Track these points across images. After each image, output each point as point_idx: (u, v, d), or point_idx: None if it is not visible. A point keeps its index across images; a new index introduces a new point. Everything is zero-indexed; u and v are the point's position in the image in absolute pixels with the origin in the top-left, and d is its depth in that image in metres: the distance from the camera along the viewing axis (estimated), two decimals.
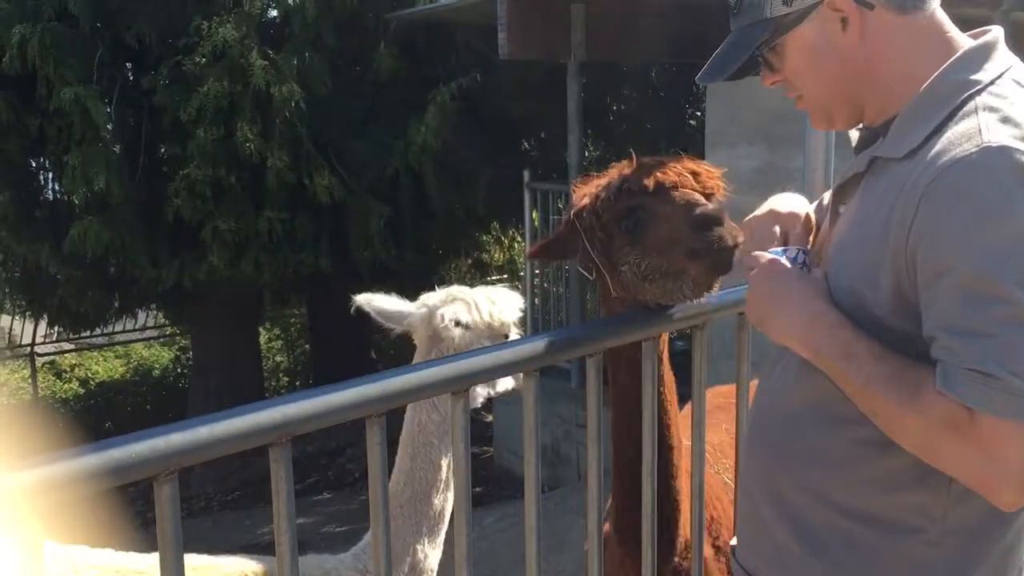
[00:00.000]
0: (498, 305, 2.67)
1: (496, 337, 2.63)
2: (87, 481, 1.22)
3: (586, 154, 11.45)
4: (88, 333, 11.89)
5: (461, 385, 1.65)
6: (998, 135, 1.30)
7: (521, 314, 2.75)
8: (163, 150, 8.10)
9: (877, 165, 1.46)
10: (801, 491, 1.52)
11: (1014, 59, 1.46)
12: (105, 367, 13.84)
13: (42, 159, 8.72)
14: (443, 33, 8.34)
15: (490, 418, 9.11)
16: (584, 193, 1.96)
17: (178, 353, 13.71)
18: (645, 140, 10.26)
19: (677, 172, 1.84)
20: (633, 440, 1.92)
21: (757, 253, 1.54)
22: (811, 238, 1.65)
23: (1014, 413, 1.24)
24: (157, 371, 13.63)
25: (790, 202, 1.69)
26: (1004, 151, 1.28)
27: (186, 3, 7.63)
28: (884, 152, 1.44)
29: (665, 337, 2.00)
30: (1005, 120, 1.32)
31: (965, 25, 1.54)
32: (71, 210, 8.15)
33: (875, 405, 1.36)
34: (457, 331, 2.61)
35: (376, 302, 2.73)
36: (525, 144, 9.86)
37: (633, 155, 1.93)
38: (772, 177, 5.50)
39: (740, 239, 1.75)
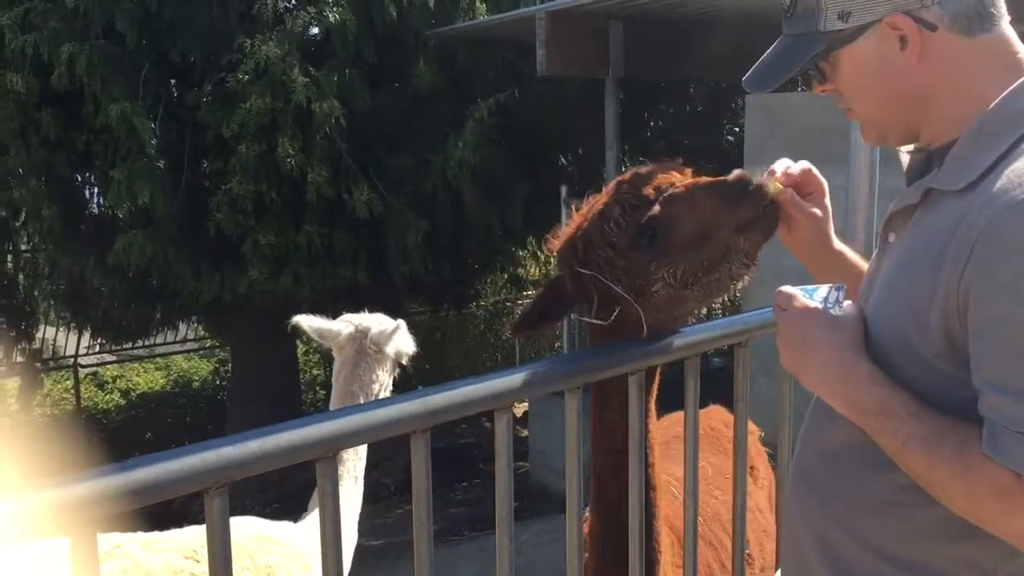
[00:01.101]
0: (401, 334, 3.22)
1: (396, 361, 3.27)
2: (140, 494, 1.24)
3: (623, 169, 11.46)
4: (130, 345, 12.05)
5: (503, 401, 1.66)
6: None
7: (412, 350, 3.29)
8: (206, 165, 8.22)
9: (932, 197, 1.38)
10: (844, 535, 1.45)
11: None
12: (146, 378, 14.02)
13: (88, 174, 8.89)
14: (482, 49, 8.40)
15: (525, 433, 9.10)
16: (570, 242, 1.83)
17: (217, 365, 13.85)
18: (683, 156, 10.25)
19: (663, 175, 1.77)
20: (621, 482, 1.82)
21: (787, 290, 1.46)
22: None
23: None
24: (196, 383, 13.78)
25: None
26: None
27: (230, 21, 7.76)
28: (940, 184, 1.36)
29: (657, 371, 1.91)
30: None
31: None
32: (115, 224, 8.30)
33: (915, 466, 1.29)
34: (371, 346, 3.15)
35: (311, 322, 3.26)
36: (563, 159, 9.88)
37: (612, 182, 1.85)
38: None
39: (777, 186, 1.67)
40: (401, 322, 3.28)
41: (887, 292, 1.42)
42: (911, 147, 1.54)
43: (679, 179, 1.79)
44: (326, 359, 15.10)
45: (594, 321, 1.82)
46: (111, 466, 1.24)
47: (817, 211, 1.69)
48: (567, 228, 1.90)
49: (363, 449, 3.28)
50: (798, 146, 5.88)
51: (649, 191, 1.74)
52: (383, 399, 1.58)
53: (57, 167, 8.27)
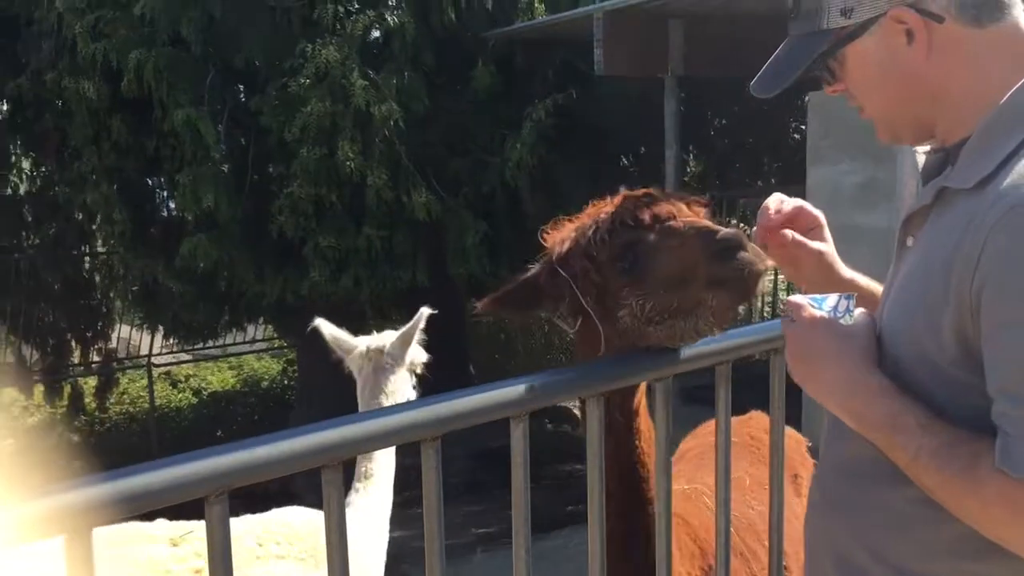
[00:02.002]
0: (413, 347, 3.50)
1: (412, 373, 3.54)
2: (137, 501, 1.23)
3: (688, 170, 11.32)
4: (201, 345, 12.35)
5: (517, 410, 1.63)
6: None
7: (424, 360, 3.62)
8: (269, 169, 8.36)
9: (946, 196, 1.33)
10: (862, 550, 1.40)
11: None
12: (219, 377, 14.35)
13: (158, 178, 9.13)
14: (541, 50, 8.37)
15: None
16: (561, 238, 1.81)
17: (285, 365, 14.11)
18: (747, 155, 10.08)
19: (670, 203, 1.72)
20: (613, 497, 1.78)
21: (795, 300, 1.41)
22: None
23: None
24: (266, 382, 14.05)
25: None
26: None
27: (292, 26, 7.87)
28: (953, 182, 1.31)
29: (643, 387, 1.85)
30: None
31: None
32: (183, 227, 8.50)
33: (928, 480, 1.24)
34: (389, 362, 3.46)
35: (330, 329, 3.58)
36: (624, 159, 9.80)
37: (622, 191, 1.81)
38: (875, 194, 5.30)
39: (769, 263, 1.65)
40: (424, 310, 3.57)
41: (901, 297, 1.38)
42: (927, 147, 1.48)
43: (683, 213, 1.74)
44: None
45: (560, 323, 1.81)
46: (112, 472, 1.24)
47: (821, 246, 1.64)
48: (567, 225, 1.87)
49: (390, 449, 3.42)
50: (852, 143, 5.73)
51: (647, 217, 1.71)
52: (392, 406, 1.56)
53: (127, 172, 8.51)
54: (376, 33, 8.21)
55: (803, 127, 9.54)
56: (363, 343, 3.56)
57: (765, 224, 1.63)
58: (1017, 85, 1.29)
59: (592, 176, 8.38)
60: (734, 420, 2.64)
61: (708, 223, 1.71)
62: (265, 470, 1.37)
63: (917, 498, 1.31)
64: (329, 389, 10.28)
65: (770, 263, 1.66)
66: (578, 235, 1.80)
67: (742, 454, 2.45)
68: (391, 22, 7.61)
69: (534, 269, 1.90)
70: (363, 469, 3.42)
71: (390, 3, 8.25)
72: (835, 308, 1.40)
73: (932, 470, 1.23)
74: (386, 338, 3.57)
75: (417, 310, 3.63)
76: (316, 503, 1.43)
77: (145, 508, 1.26)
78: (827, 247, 1.65)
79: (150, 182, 9.23)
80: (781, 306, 1.50)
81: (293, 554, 3.19)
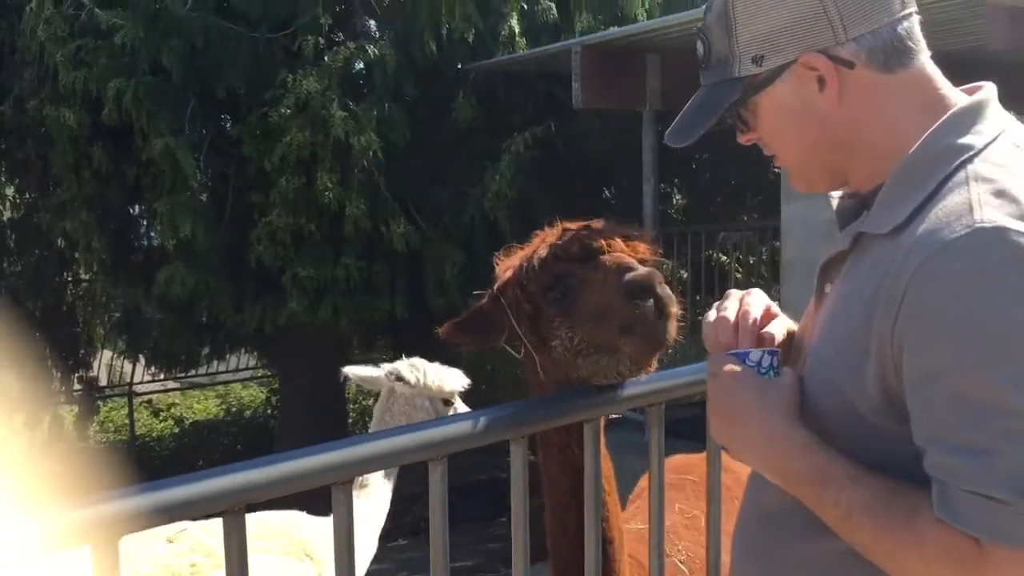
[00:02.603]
0: (440, 375, 3.56)
1: (435, 400, 3.58)
2: (163, 513, 1.31)
3: (674, 202, 11.35)
4: (183, 373, 12.29)
5: (442, 451, 1.59)
6: (992, 213, 1.13)
7: (463, 388, 3.63)
8: (251, 198, 8.37)
9: (863, 241, 1.30)
10: None
11: (1010, 119, 1.30)
12: (203, 406, 14.28)
13: (139, 206, 9.12)
14: (521, 82, 8.41)
15: None
16: (508, 265, 1.82)
17: (269, 394, 14.05)
18: (729, 189, 10.11)
19: (606, 237, 1.71)
20: (569, 536, 1.76)
21: (715, 356, 1.37)
22: (778, 332, 1.44)
23: None
24: (249, 411, 13.97)
25: (754, 296, 1.48)
26: (999, 234, 1.12)
27: (274, 56, 7.91)
28: (869, 227, 1.28)
29: (602, 420, 1.83)
30: (1000, 193, 1.16)
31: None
32: (164, 255, 8.49)
33: (862, 537, 1.19)
34: (398, 384, 3.53)
35: (355, 371, 3.72)
36: (606, 191, 9.82)
37: (558, 222, 1.81)
38: None
39: (674, 308, 1.63)
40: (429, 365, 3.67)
41: (821, 346, 1.33)
42: (839, 193, 1.46)
43: (616, 248, 1.73)
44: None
45: (508, 349, 1.83)
46: (131, 488, 1.30)
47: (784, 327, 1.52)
48: (517, 253, 1.87)
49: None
50: None
51: (578, 250, 1.71)
52: (319, 446, 1.55)
53: (108, 200, 8.50)
54: (359, 64, 8.25)
55: None
56: (382, 371, 3.66)
57: (728, 340, 1.45)
58: (929, 130, 1.28)
59: (572, 208, 8.37)
60: (695, 458, 2.63)
61: (630, 261, 1.69)
62: (278, 487, 1.41)
63: (840, 550, 1.26)
64: (312, 417, 10.28)
65: (675, 310, 1.63)
66: (517, 265, 1.81)
67: (700, 493, 2.42)
68: (372, 53, 7.65)
69: (479, 300, 1.90)
70: (360, 479, 3.55)
71: (372, 34, 8.30)
72: (759, 363, 1.35)
73: (866, 526, 1.18)
74: (403, 364, 3.67)
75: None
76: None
77: (169, 520, 1.34)
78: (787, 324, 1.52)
79: (131, 210, 9.22)
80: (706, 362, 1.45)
81: (274, 548, 3.41)
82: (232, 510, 1.37)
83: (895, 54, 1.29)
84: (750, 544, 1.46)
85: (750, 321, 1.44)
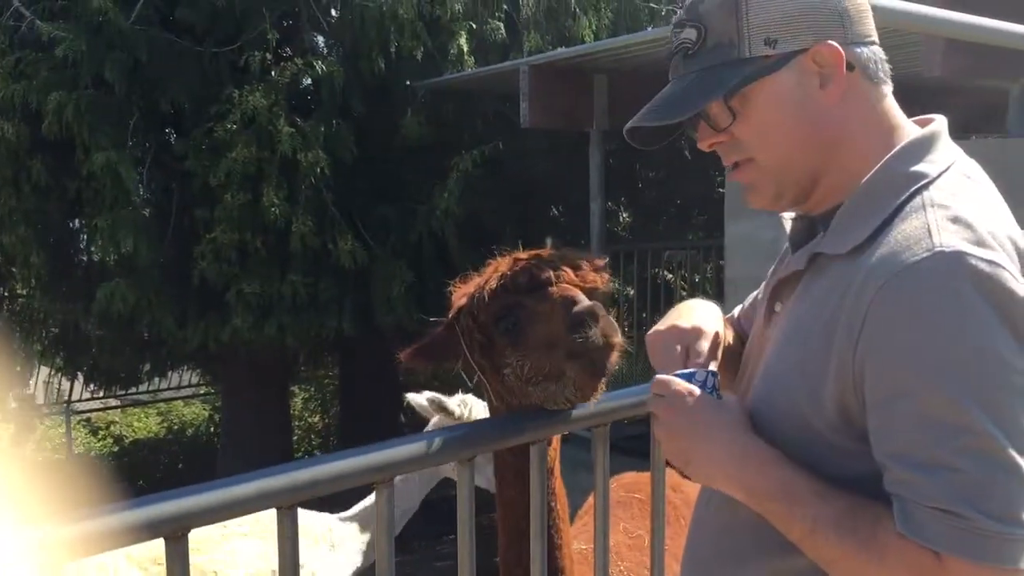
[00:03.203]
0: (471, 408, 3.68)
1: None
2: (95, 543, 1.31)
3: (621, 220, 11.44)
4: (123, 391, 12.02)
5: (387, 474, 1.60)
6: (950, 238, 1.18)
7: None
8: (196, 214, 8.25)
9: (819, 262, 1.33)
10: None
11: (959, 152, 1.35)
12: (144, 424, 13.98)
13: (79, 221, 8.93)
14: (470, 101, 8.43)
15: None
16: (462, 293, 1.87)
17: (212, 412, 13.81)
18: (674, 208, 10.22)
19: (555, 267, 1.76)
20: (524, 564, 1.78)
21: (662, 378, 1.38)
22: (719, 353, 1.48)
23: (990, 556, 1.11)
24: (191, 429, 13.72)
25: (697, 313, 1.52)
26: (958, 258, 1.16)
27: (220, 72, 7.82)
28: (826, 248, 1.31)
29: (556, 441, 1.88)
30: (955, 220, 1.21)
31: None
32: (105, 271, 8.31)
33: (826, 552, 1.21)
34: (442, 415, 3.67)
35: (415, 399, 3.80)
36: (554, 210, 9.86)
37: (509, 252, 1.87)
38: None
39: (617, 339, 1.68)
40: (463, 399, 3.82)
41: (777, 365, 1.35)
42: (792, 215, 1.48)
43: (565, 278, 1.78)
44: (325, 408, 15.09)
45: (463, 373, 1.89)
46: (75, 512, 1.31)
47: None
48: (472, 280, 1.90)
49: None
50: None
51: (526, 281, 1.75)
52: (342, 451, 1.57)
53: (47, 214, 8.30)
54: (307, 80, 8.20)
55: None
56: (429, 395, 3.84)
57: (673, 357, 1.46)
58: (890, 154, 1.32)
59: (521, 226, 8.42)
60: (645, 476, 2.65)
61: (575, 293, 1.73)
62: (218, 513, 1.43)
63: (796, 568, 1.29)
64: (256, 436, 10.13)
65: (618, 341, 1.69)
66: (470, 294, 1.85)
67: (645, 512, 2.43)
68: (320, 70, 7.60)
69: (437, 326, 1.95)
70: (331, 537, 3.83)
71: (320, 50, 8.25)
72: (704, 383, 1.37)
73: (832, 541, 1.20)
74: (455, 398, 3.84)
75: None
76: None
77: (104, 549, 1.34)
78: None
79: (71, 225, 9.02)
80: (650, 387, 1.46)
81: (255, 532, 3.65)
82: (173, 536, 1.37)
83: (877, 71, 1.34)
84: (703, 564, 1.48)
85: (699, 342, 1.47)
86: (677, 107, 1.36)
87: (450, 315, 1.90)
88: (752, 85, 1.32)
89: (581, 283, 1.78)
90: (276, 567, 1.54)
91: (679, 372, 1.40)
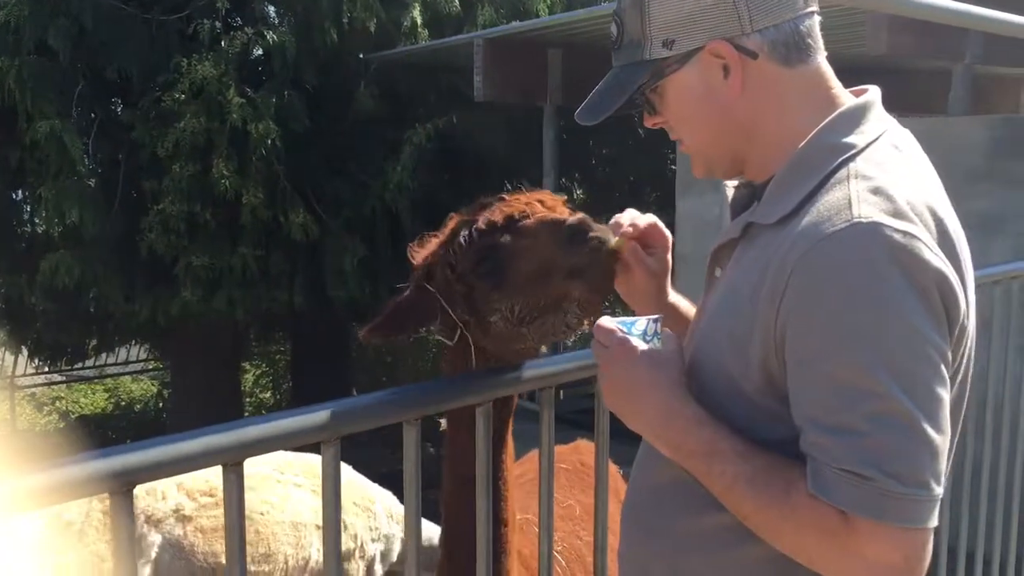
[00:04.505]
0: None
1: None
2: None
3: (574, 196, 11.47)
4: (69, 366, 11.83)
5: (331, 433, 1.60)
6: (869, 210, 1.21)
7: None
8: (141, 184, 8.12)
9: (752, 230, 1.36)
10: (669, 573, 1.43)
11: (891, 121, 1.38)
12: (91, 400, 13.77)
13: (23, 191, 8.74)
14: (424, 74, 8.38)
15: None
16: (427, 252, 1.80)
17: (160, 388, 13.64)
18: (628, 185, 10.28)
19: (523, 202, 1.71)
20: (466, 515, 1.75)
21: (605, 326, 1.41)
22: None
23: (892, 516, 1.16)
24: (139, 405, 13.55)
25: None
26: (874, 228, 1.19)
27: (168, 40, 7.69)
28: (758, 217, 1.35)
29: (514, 401, 1.84)
30: (877, 191, 1.24)
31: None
32: (49, 243, 8.16)
33: (743, 508, 1.27)
34: None
35: None
36: (508, 185, 9.86)
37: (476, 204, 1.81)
38: None
39: (614, 240, 1.63)
40: None
41: (709, 328, 1.40)
42: (735, 182, 1.52)
43: (539, 210, 1.72)
44: (276, 385, 14.99)
45: (441, 339, 1.79)
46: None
47: (655, 265, 1.66)
48: (432, 240, 1.86)
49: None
50: None
51: (500, 219, 1.69)
52: (206, 428, 1.55)
53: None
54: (258, 51, 8.09)
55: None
56: None
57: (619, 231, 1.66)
58: (819, 126, 1.34)
59: (473, 200, 8.40)
60: (561, 449, 2.65)
61: (556, 215, 1.68)
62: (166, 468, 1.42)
63: (725, 524, 1.33)
64: (205, 411, 10.03)
65: (616, 240, 1.64)
66: (440, 248, 1.79)
67: (572, 482, 2.44)
68: (271, 40, 7.50)
69: (406, 291, 1.87)
70: None
71: (271, 20, 8.14)
72: (644, 332, 1.41)
73: (748, 497, 1.25)
74: None
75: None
76: None
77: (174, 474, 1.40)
78: (660, 268, 1.67)
79: (14, 195, 8.82)
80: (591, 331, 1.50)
81: (308, 486, 3.76)
82: (119, 491, 1.35)
83: (795, 49, 1.36)
84: (638, 516, 1.51)
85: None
86: (596, 109, 1.45)
87: (419, 275, 1.81)
88: (660, 82, 1.39)
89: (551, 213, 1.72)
90: (321, 522, 1.52)
91: (621, 320, 1.43)
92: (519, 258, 1.68)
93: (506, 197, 1.82)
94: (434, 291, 1.76)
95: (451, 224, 1.83)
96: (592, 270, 1.63)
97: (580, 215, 1.67)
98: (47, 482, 1.32)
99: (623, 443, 2.00)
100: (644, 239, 1.67)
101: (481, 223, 1.72)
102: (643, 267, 1.66)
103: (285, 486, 3.78)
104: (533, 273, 1.67)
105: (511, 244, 1.69)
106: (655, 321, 1.43)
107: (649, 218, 1.68)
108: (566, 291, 1.66)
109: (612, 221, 1.70)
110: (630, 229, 1.65)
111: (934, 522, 1.19)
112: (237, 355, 11.24)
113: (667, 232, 1.69)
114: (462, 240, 1.72)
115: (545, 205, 1.78)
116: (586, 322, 1.72)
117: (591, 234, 1.61)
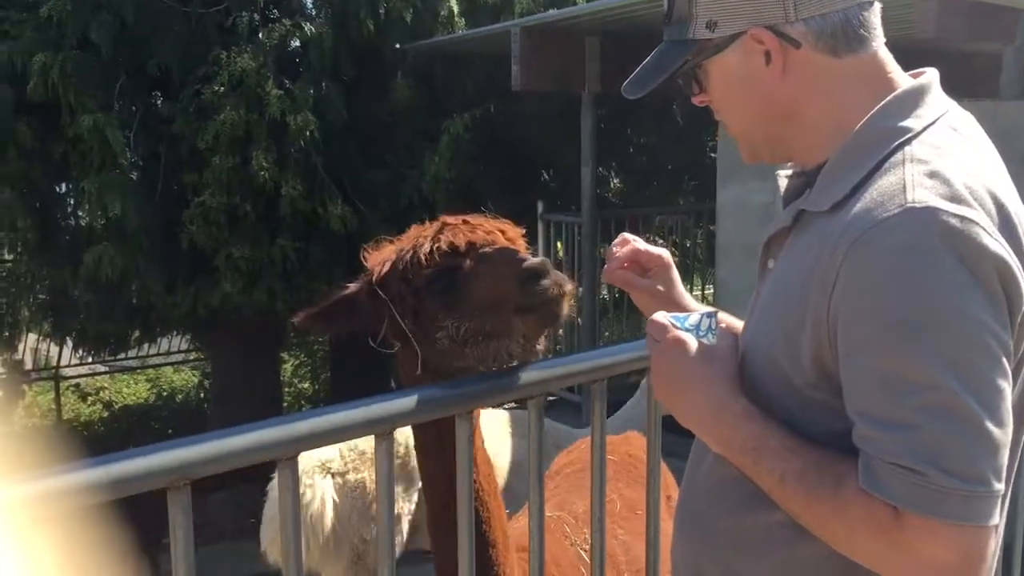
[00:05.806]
0: None
1: None
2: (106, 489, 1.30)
3: (612, 185, 11.42)
4: (112, 357, 11.99)
5: (294, 449, 1.51)
6: (924, 194, 1.18)
7: None
8: (182, 177, 8.18)
9: (804, 218, 1.34)
10: (722, 573, 1.41)
11: (951, 103, 1.34)
12: (133, 390, 13.96)
13: (67, 185, 8.85)
14: (460, 63, 8.36)
15: None
16: (382, 258, 1.84)
17: (202, 378, 13.80)
18: (665, 173, 10.20)
19: (486, 230, 1.77)
20: (452, 537, 1.70)
21: (658, 320, 1.40)
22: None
23: (944, 512, 1.12)
24: (180, 395, 13.72)
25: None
26: (929, 213, 1.15)
27: (208, 33, 7.72)
28: (810, 205, 1.32)
29: (478, 413, 1.78)
30: (933, 175, 1.20)
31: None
32: (92, 235, 8.25)
33: (793, 504, 1.24)
34: None
35: None
36: (544, 175, 9.83)
37: (440, 217, 1.87)
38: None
39: (568, 288, 1.71)
40: None
41: (762, 321, 1.38)
42: (789, 171, 1.50)
43: (499, 240, 1.79)
44: (315, 375, 15.10)
45: (377, 347, 1.84)
46: (68, 464, 1.30)
47: (648, 284, 1.72)
48: (387, 247, 1.90)
49: None
50: (759, 164, 5.84)
51: (463, 243, 1.75)
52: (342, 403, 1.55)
53: (33, 178, 8.22)
54: (295, 42, 8.11)
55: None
56: None
57: (607, 267, 1.74)
58: (872, 112, 1.31)
59: (511, 190, 8.39)
60: (612, 439, 2.61)
61: (518, 251, 1.76)
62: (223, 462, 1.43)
63: (779, 522, 1.31)
64: (245, 401, 10.13)
65: (570, 288, 1.73)
66: (397, 258, 1.84)
67: (618, 474, 2.41)
68: (308, 31, 7.52)
69: (352, 287, 1.91)
70: None
71: (308, 12, 8.16)
72: (697, 327, 1.39)
73: (799, 493, 1.22)
74: None
75: None
76: None
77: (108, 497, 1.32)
78: (664, 283, 1.72)
79: (58, 189, 8.94)
80: (644, 326, 1.49)
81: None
82: (175, 486, 1.37)
83: (844, 40, 1.32)
84: (691, 516, 1.50)
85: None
86: (640, 84, 1.46)
87: (374, 279, 1.85)
88: (703, 62, 1.39)
89: (512, 247, 1.80)
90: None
91: (674, 315, 1.42)
92: (474, 284, 1.74)
93: (470, 220, 1.85)
94: (386, 299, 1.80)
95: (411, 235, 1.88)
96: (541, 310, 1.70)
97: (540, 259, 1.73)
98: (105, 476, 1.32)
99: (672, 434, 1.98)
100: (639, 265, 1.72)
101: (443, 243, 1.78)
102: (640, 293, 1.73)
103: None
104: (485, 301, 1.72)
105: (470, 270, 1.75)
106: (710, 316, 1.42)
107: (635, 246, 1.73)
108: (512, 324, 1.71)
109: (607, 250, 1.78)
110: (623, 256, 1.73)
111: (994, 520, 1.14)
112: (276, 346, 11.34)
113: (661, 252, 1.74)
114: (422, 256, 1.77)
115: (506, 236, 1.84)
116: (531, 352, 1.77)
117: (544, 281, 1.68)
